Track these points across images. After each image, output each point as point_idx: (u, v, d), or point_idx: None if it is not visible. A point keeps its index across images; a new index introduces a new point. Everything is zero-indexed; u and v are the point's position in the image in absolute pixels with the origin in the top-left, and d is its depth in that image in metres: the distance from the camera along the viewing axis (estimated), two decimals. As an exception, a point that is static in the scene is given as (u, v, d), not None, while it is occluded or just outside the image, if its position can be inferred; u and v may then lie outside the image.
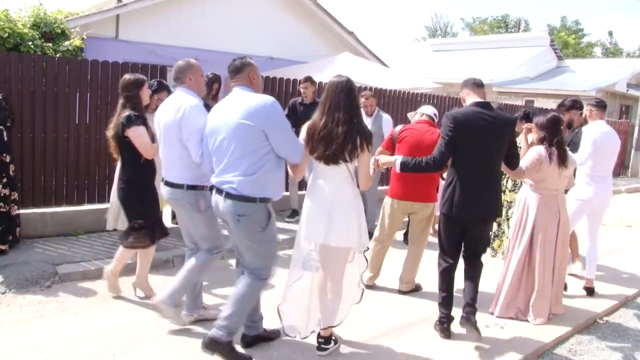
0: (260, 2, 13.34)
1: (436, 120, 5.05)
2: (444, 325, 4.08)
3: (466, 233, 4.01)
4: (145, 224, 4.16)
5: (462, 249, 4.12)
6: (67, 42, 9.20)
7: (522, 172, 4.36)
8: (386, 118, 6.89)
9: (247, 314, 3.49)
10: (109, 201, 6.07)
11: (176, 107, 3.59)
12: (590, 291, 5.27)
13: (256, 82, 3.43)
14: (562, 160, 4.35)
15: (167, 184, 3.74)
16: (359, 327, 4.08)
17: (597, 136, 5.24)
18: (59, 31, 9.30)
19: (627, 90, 18.82)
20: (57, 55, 8.29)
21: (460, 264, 4.10)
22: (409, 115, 5.87)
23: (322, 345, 3.64)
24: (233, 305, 3.34)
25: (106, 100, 6.08)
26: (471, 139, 3.81)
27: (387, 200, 4.93)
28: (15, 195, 5.26)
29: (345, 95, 3.37)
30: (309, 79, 6.90)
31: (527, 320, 4.45)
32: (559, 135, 4.40)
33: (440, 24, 45.99)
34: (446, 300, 4.07)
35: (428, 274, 5.17)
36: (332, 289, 3.57)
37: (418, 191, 4.74)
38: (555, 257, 4.50)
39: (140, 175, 4.14)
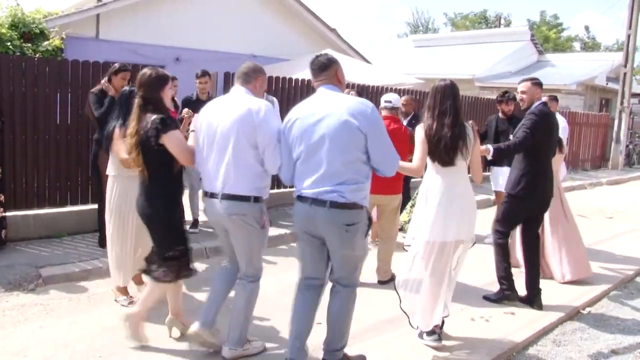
0: (242, 0, 13.29)
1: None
2: (514, 291, 4.69)
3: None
4: (185, 251, 3.53)
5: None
6: (46, 43, 9.11)
7: None
8: (276, 101, 6.55)
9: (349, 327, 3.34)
10: (91, 202, 5.99)
11: (247, 107, 3.21)
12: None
13: (343, 81, 3.27)
14: (560, 147, 5.35)
15: (228, 197, 3.25)
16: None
17: (562, 126, 5.83)
18: (38, 31, 9.19)
19: (607, 84, 19.07)
20: (37, 55, 8.20)
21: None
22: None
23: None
24: (336, 325, 3.25)
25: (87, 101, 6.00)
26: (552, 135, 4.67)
27: None
28: (1, 197, 5.21)
29: (453, 99, 3.67)
30: (207, 74, 6.38)
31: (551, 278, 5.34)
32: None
33: (422, 20, 46.27)
34: (509, 270, 4.68)
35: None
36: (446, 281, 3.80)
37: (385, 184, 4.58)
38: (569, 226, 5.49)
39: (175, 189, 3.53)
